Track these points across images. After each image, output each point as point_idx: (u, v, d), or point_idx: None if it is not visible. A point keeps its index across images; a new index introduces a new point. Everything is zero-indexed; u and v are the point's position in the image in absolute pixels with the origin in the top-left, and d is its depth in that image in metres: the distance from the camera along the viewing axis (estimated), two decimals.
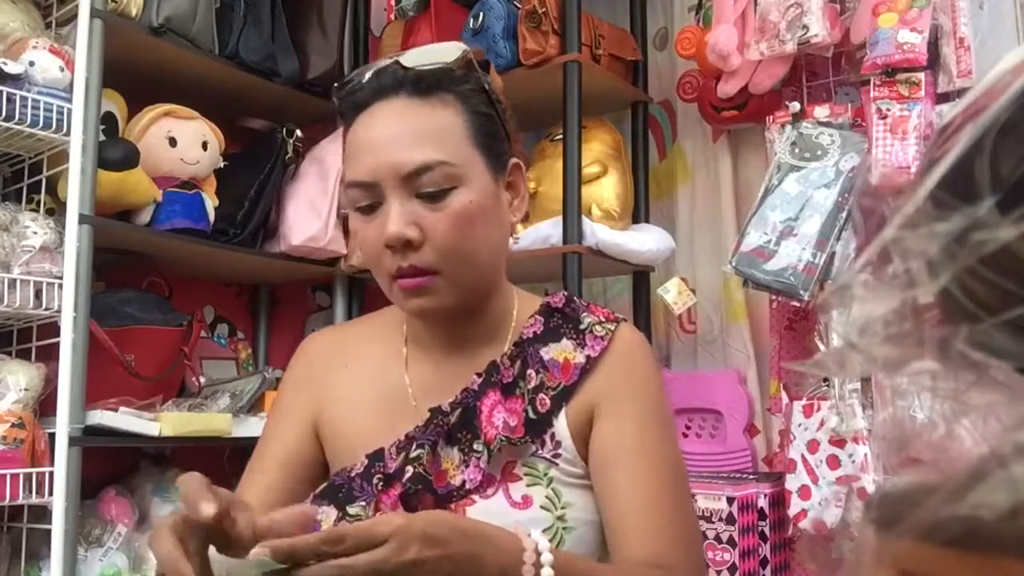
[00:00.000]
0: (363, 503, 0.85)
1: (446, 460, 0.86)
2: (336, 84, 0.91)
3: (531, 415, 0.86)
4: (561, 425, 0.87)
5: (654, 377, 0.91)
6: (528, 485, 0.85)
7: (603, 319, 0.92)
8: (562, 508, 0.85)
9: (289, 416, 0.95)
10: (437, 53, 0.86)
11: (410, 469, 0.84)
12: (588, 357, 0.89)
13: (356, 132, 0.85)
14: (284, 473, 0.92)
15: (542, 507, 0.84)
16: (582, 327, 0.91)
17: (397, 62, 0.85)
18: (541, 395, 0.87)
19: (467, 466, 0.85)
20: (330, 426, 0.93)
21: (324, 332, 1.04)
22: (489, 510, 0.83)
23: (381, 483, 0.85)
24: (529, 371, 0.88)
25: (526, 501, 0.84)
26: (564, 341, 0.90)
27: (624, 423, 0.86)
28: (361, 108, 0.86)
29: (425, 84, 0.84)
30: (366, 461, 0.87)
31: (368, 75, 0.86)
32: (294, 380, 0.99)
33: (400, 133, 0.82)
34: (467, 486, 0.85)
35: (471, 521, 0.76)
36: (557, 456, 0.86)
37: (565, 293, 0.95)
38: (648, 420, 0.87)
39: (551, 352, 0.90)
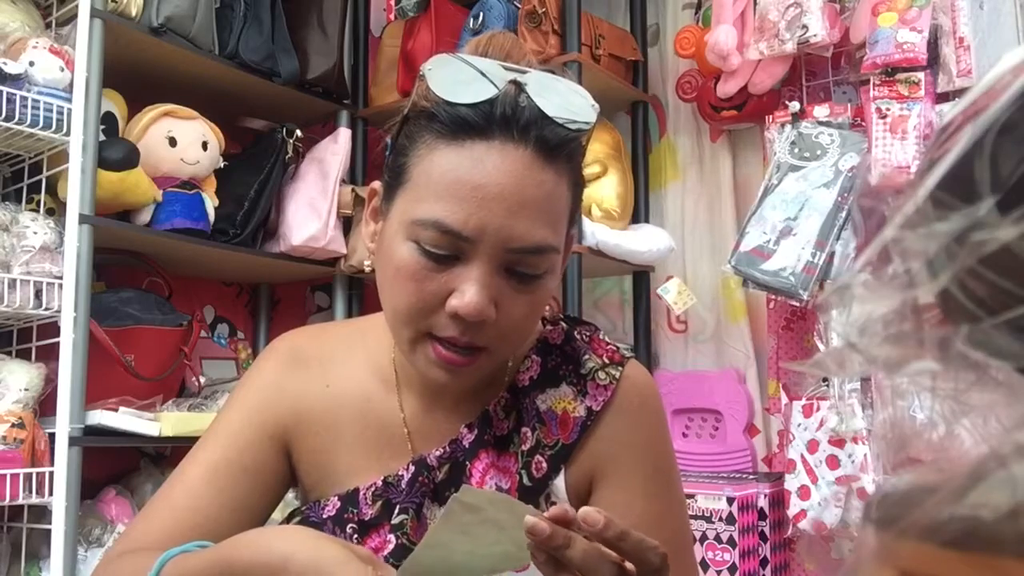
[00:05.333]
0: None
1: (432, 520, 0.80)
2: (432, 76, 0.70)
3: (526, 481, 0.79)
4: (559, 487, 0.80)
5: (661, 433, 0.84)
6: None
7: (607, 361, 0.83)
8: None
9: (256, 426, 0.84)
10: (578, 108, 0.71)
11: (392, 539, 0.77)
12: (589, 409, 0.81)
13: (459, 164, 0.68)
14: (247, 480, 0.82)
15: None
16: (583, 372, 0.82)
17: (530, 98, 0.69)
18: (537, 457, 0.80)
19: None
20: (309, 455, 0.85)
21: (301, 336, 0.91)
22: None
23: (356, 534, 0.79)
24: (524, 428, 0.81)
25: None
26: (563, 387, 0.82)
27: (633, 494, 0.79)
28: (470, 132, 0.68)
29: (559, 148, 0.70)
30: (339, 503, 0.81)
31: (492, 95, 0.69)
32: (262, 387, 0.87)
33: (522, 198, 0.68)
34: None
35: None
36: None
37: (564, 326, 0.86)
38: (657, 487, 0.81)
39: (549, 401, 0.82)
